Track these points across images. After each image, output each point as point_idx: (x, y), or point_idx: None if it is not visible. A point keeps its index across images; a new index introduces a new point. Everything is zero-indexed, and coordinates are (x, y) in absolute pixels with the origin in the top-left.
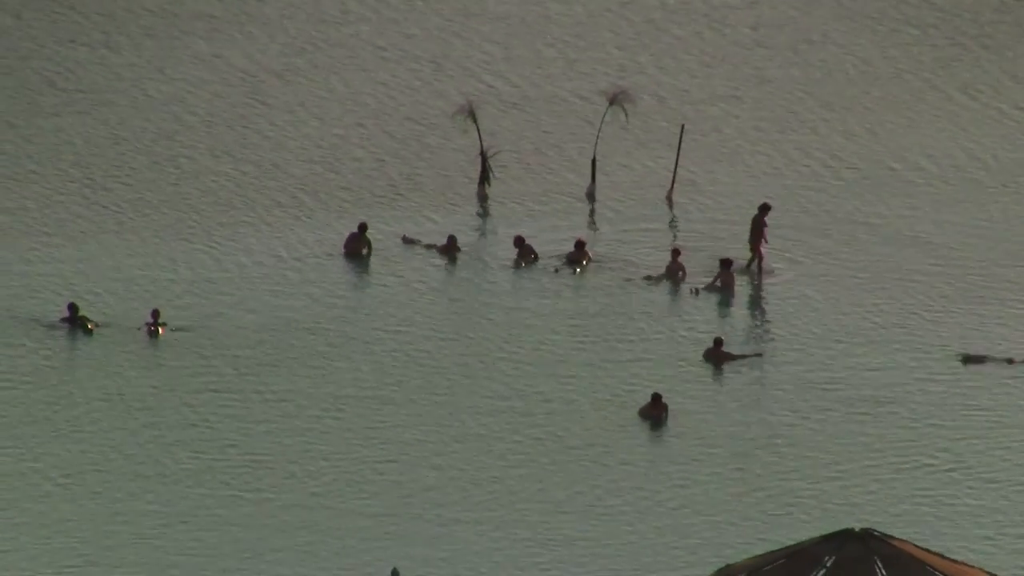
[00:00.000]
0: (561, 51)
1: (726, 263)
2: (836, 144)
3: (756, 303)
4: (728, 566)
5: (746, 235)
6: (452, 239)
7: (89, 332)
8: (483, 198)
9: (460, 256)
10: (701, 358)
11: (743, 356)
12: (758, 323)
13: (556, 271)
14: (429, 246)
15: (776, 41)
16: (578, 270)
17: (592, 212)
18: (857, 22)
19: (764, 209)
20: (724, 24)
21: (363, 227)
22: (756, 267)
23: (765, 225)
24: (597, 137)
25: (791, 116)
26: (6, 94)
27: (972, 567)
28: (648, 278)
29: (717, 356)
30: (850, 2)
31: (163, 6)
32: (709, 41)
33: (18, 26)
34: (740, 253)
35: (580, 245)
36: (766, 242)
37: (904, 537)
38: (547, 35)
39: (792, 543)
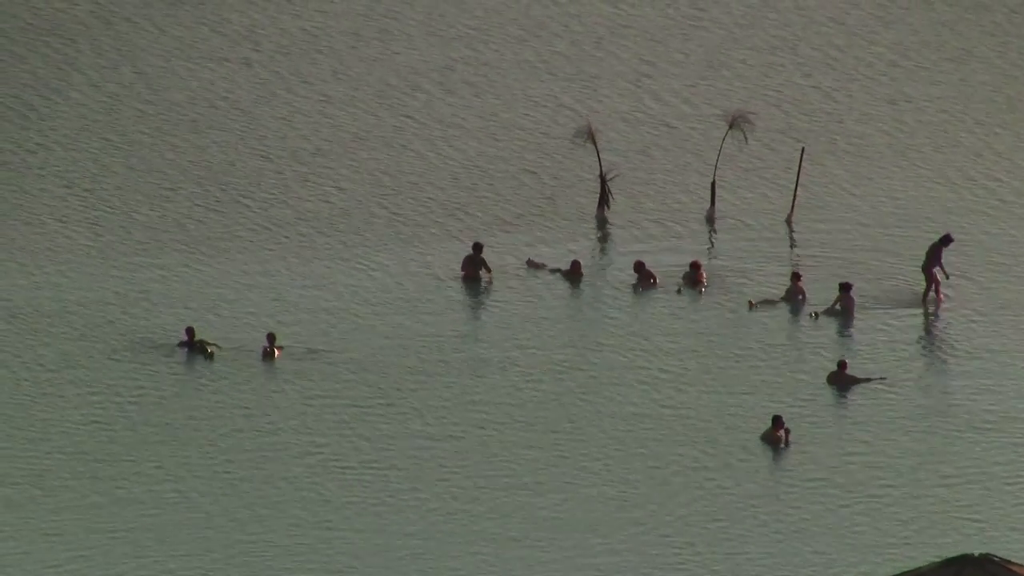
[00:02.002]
0: (682, 72)
1: (846, 287)
2: (964, 167)
3: (928, 331)
4: None
5: (920, 262)
6: (576, 263)
7: (209, 356)
8: (603, 221)
9: (582, 280)
10: (824, 381)
11: (868, 380)
12: (897, 348)
13: (679, 291)
14: (554, 270)
15: (900, 61)
16: (701, 290)
17: (712, 235)
18: (998, 37)
19: (945, 241)
20: (844, 44)
21: (478, 247)
22: (932, 296)
23: (940, 257)
24: (717, 160)
25: (916, 139)
26: (140, 109)
27: None
28: (767, 302)
29: (841, 379)
30: (989, 20)
31: (302, 25)
32: (834, 61)
33: (159, 41)
34: (858, 276)
35: (696, 266)
36: (945, 274)
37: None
38: (669, 56)
39: (911, 568)
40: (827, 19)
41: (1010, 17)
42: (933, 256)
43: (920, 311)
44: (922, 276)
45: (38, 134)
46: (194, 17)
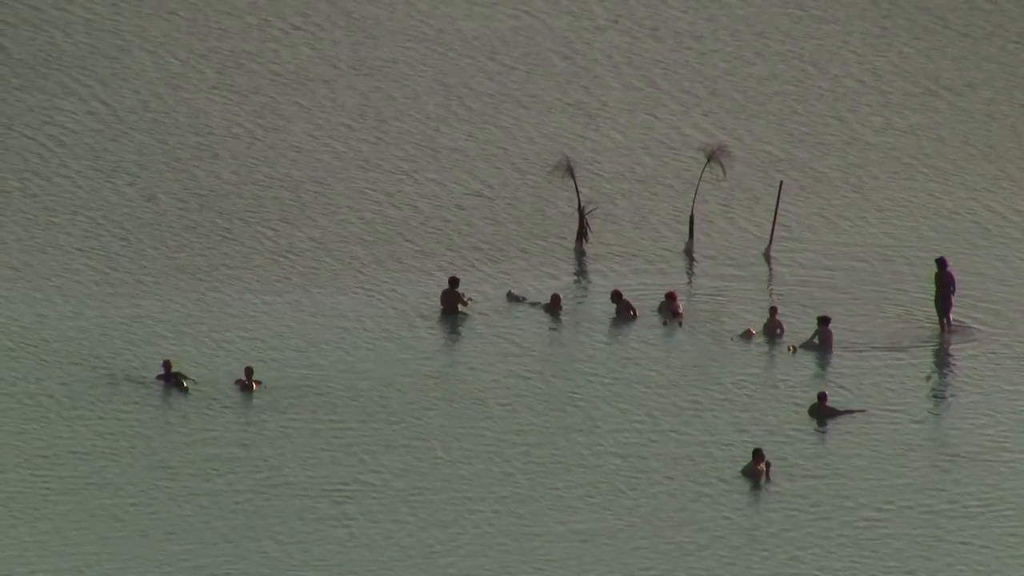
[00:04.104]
0: (659, 105)
1: (824, 320)
2: (942, 202)
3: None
4: None
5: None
6: (556, 297)
7: (185, 389)
8: (581, 254)
9: (562, 314)
10: (805, 414)
11: (847, 412)
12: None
13: (664, 323)
14: (534, 303)
15: (879, 97)
16: (680, 321)
17: (690, 268)
18: (982, 72)
19: (942, 264)
20: (818, 81)
21: (454, 281)
22: (946, 326)
23: (951, 281)
24: (695, 193)
25: (893, 174)
26: (120, 141)
27: None
28: (746, 335)
29: (822, 412)
30: (972, 54)
31: (292, 58)
32: (813, 97)
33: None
34: (836, 310)
35: (671, 296)
36: (954, 295)
37: None
38: (649, 90)
39: None
40: (806, 56)
41: (996, 52)
42: (943, 283)
43: (898, 344)
44: (934, 311)
45: (20, 165)
46: (188, 47)
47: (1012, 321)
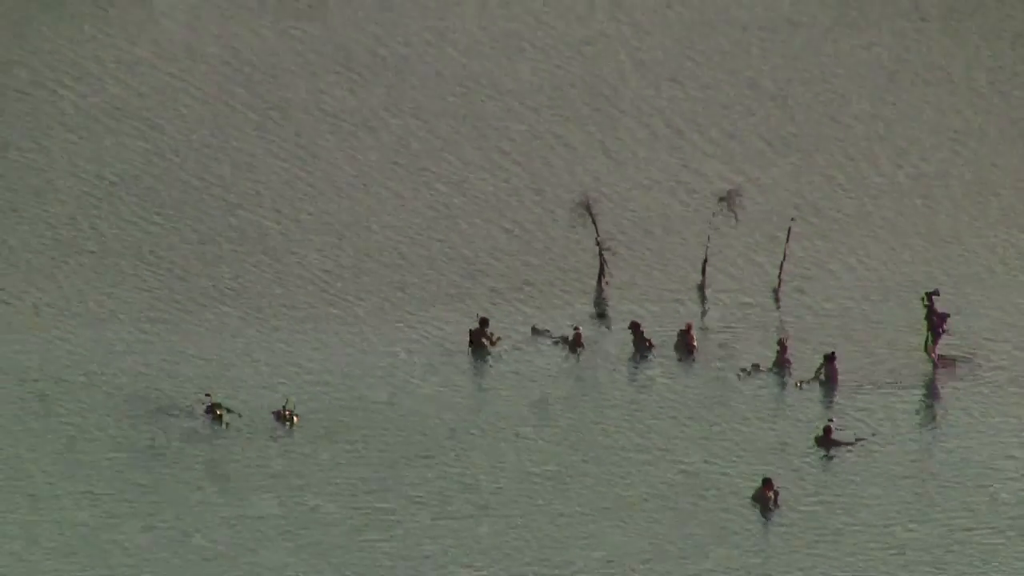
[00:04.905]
0: (677, 149)
1: (830, 357)
2: (942, 242)
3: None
4: None
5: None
6: (577, 332)
7: (222, 420)
8: (601, 292)
9: (582, 349)
10: (811, 445)
11: (851, 443)
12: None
13: (679, 360)
14: (557, 339)
15: (881, 145)
16: (693, 355)
17: (704, 305)
18: (980, 118)
19: (931, 296)
20: (828, 129)
21: (484, 321)
22: (935, 358)
23: (936, 313)
24: (709, 235)
25: (897, 216)
26: (168, 183)
27: None
28: (755, 368)
29: (827, 443)
30: (970, 100)
31: (320, 100)
32: (819, 144)
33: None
34: (841, 346)
35: (686, 330)
36: (944, 330)
37: None
38: (666, 137)
39: None
40: (818, 107)
41: (999, 102)
42: (932, 319)
43: (898, 379)
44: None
45: (59, 202)
46: (232, 93)
47: (1010, 357)
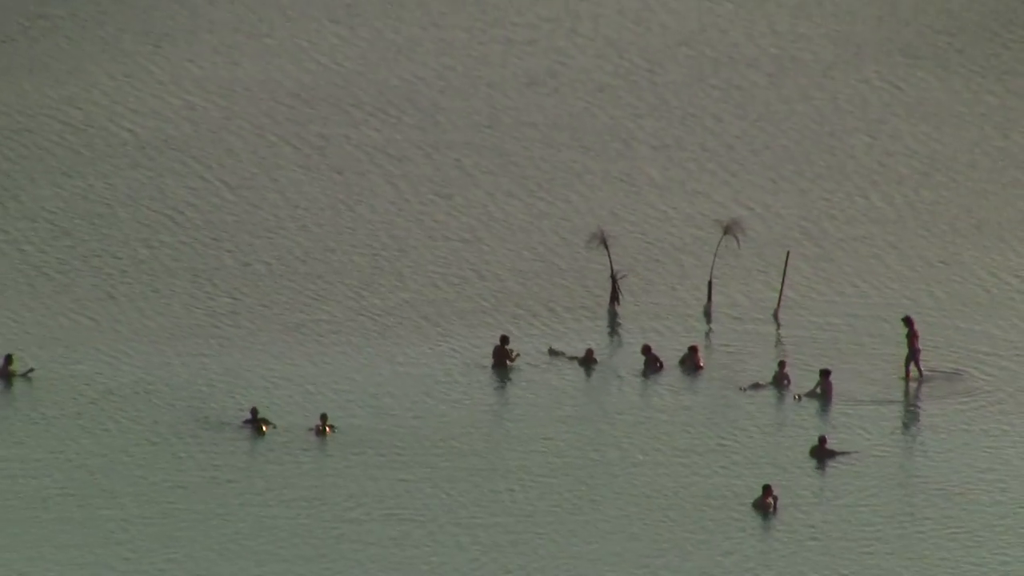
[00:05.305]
0: (686, 182)
1: (825, 373)
2: (927, 269)
3: (896, 411)
4: None
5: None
6: (590, 351)
7: (262, 433)
8: (614, 314)
9: (596, 367)
10: (807, 454)
11: (844, 453)
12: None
13: (686, 377)
14: (572, 357)
15: (872, 176)
16: (700, 372)
17: (709, 327)
18: (967, 154)
19: (910, 323)
20: (823, 161)
21: (504, 339)
22: (909, 376)
23: (916, 337)
24: (713, 261)
25: (886, 244)
26: (215, 207)
27: None
28: (757, 385)
29: (822, 453)
30: (959, 132)
31: (360, 135)
32: (819, 171)
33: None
34: (836, 363)
35: (694, 349)
36: (918, 350)
37: None
38: (673, 170)
39: None
40: (812, 139)
41: (994, 135)
42: (912, 340)
43: (889, 394)
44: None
45: (117, 228)
46: (282, 129)
47: (995, 376)
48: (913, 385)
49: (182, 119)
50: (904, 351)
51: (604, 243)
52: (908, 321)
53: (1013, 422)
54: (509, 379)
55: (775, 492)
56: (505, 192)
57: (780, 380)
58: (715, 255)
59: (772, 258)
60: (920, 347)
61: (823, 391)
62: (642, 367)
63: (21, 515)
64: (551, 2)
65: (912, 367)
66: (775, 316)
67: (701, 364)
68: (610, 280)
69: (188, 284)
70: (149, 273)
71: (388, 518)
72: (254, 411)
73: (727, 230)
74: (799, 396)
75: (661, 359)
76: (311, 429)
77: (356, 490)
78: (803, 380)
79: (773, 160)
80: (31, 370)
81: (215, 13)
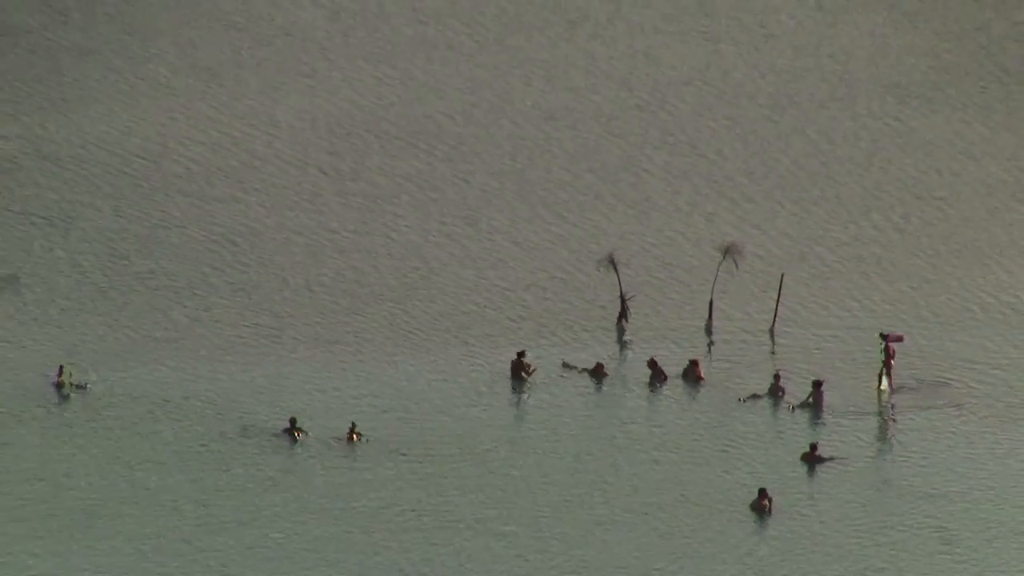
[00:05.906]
0: (691, 206)
1: (817, 384)
2: (910, 289)
3: (882, 420)
4: None
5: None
6: (600, 365)
7: (296, 440)
8: (622, 331)
9: (605, 379)
10: (799, 460)
11: (833, 459)
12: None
13: (688, 388)
14: (583, 370)
15: (866, 205)
16: (700, 384)
17: (709, 343)
18: (959, 186)
19: (886, 338)
20: (824, 184)
21: (522, 353)
22: (889, 389)
23: (892, 355)
24: (714, 282)
25: (873, 266)
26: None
27: None
28: (754, 396)
29: (813, 458)
30: (951, 165)
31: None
32: (811, 203)
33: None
34: (827, 375)
35: (695, 363)
36: (892, 363)
37: None
38: (674, 196)
39: None
40: (809, 169)
41: (986, 161)
42: (888, 355)
43: (876, 405)
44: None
45: (170, 250)
46: (317, 161)
47: (978, 389)
48: (889, 397)
49: (228, 150)
50: (879, 365)
51: (614, 265)
52: (884, 336)
53: (994, 430)
54: (526, 390)
55: (770, 495)
56: (525, 218)
57: (775, 391)
58: (716, 276)
59: (768, 279)
60: (894, 362)
61: (815, 401)
62: (648, 379)
63: (72, 521)
64: (568, 43)
65: (884, 379)
66: (771, 332)
67: (702, 376)
68: (619, 299)
69: (234, 303)
70: (198, 292)
71: (414, 519)
72: (292, 420)
73: (726, 253)
74: (793, 406)
75: (665, 372)
76: (340, 437)
77: (385, 494)
78: (797, 391)
79: (771, 188)
80: (88, 383)
81: (260, 52)
